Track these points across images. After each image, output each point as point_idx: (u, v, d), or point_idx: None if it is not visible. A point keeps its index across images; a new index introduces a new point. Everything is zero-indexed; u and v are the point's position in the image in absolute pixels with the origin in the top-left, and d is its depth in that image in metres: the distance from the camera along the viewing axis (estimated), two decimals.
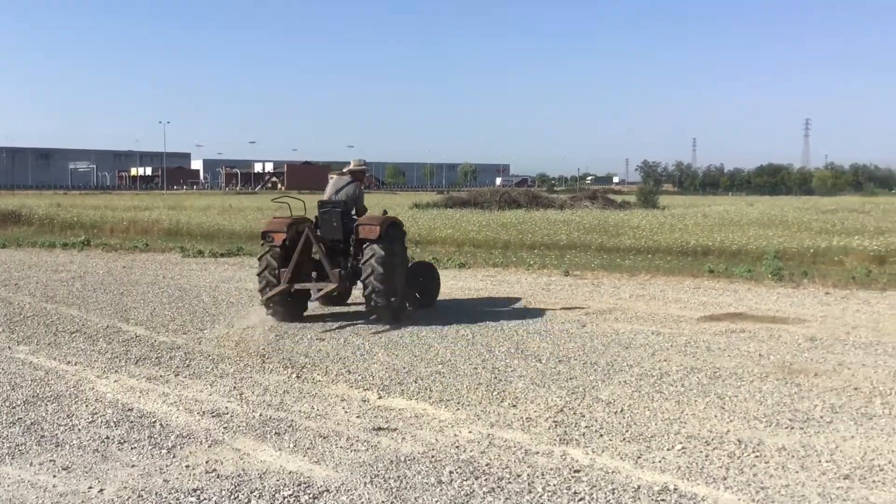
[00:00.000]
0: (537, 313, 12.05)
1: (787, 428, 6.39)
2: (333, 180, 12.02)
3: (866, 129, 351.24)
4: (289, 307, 11.20)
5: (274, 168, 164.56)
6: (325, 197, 11.65)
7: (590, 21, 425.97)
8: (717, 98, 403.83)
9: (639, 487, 5.12)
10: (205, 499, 5.02)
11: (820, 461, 5.61)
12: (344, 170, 12.28)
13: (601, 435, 6.23)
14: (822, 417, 6.66)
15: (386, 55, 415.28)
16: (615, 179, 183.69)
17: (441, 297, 13.42)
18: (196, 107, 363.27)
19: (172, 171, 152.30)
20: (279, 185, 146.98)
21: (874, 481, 5.23)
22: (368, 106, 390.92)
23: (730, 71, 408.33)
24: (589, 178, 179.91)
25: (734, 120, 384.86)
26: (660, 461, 5.62)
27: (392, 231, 11.20)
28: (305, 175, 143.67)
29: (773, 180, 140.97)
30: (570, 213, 40.72)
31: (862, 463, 5.57)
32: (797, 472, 5.41)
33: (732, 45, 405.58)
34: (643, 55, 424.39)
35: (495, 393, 7.47)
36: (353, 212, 11.56)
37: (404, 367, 8.48)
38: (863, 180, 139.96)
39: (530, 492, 5.07)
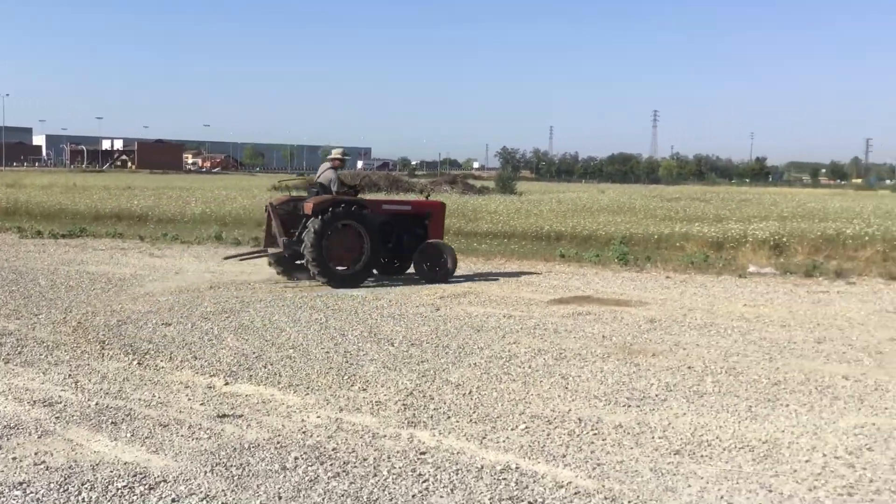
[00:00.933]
0: (392, 297, 12.07)
1: (624, 406, 6.67)
2: (322, 166, 14.12)
3: (709, 122, 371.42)
4: (287, 266, 13.46)
5: (124, 146, 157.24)
6: (315, 180, 14.06)
7: (448, 8, 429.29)
8: (572, 88, 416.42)
9: (482, 467, 5.21)
10: (31, 492, 4.74)
11: (653, 437, 5.89)
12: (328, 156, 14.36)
13: (449, 417, 6.30)
14: (657, 396, 6.99)
15: (245, 34, 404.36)
16: (475, 165, 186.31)
17: (282, 280, 13.31)
18: (39, 80, 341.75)
19: (12, 147, 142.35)
20: (129, 164, 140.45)
21: (702, 456, 5.53)
22: (226, 85, 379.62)
23: (585, 62, 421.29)
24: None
25: (589, 110, 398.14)
26: (504, 441, 5.74)
27: (341, 209, 12.91)
28: (158, 153, 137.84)
29: (624, 169, 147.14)
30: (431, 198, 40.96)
31: (692, 438, 5.88)
32: (632, 448, 5.65)
33: (586, 37, 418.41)
34: (502, 44, 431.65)
35: (346, 377, 7.42)
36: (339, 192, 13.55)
37: (254, 353, 8.30)
38: (705, 170, 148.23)
39: (375, 475, 5.06)
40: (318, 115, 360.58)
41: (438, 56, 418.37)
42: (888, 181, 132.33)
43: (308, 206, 12.93)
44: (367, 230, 13.25)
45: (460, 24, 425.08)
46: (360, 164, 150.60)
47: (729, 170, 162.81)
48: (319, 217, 12.72)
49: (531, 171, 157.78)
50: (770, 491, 4.90)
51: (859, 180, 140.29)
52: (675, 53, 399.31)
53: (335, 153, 14.08)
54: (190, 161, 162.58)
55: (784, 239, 20.13)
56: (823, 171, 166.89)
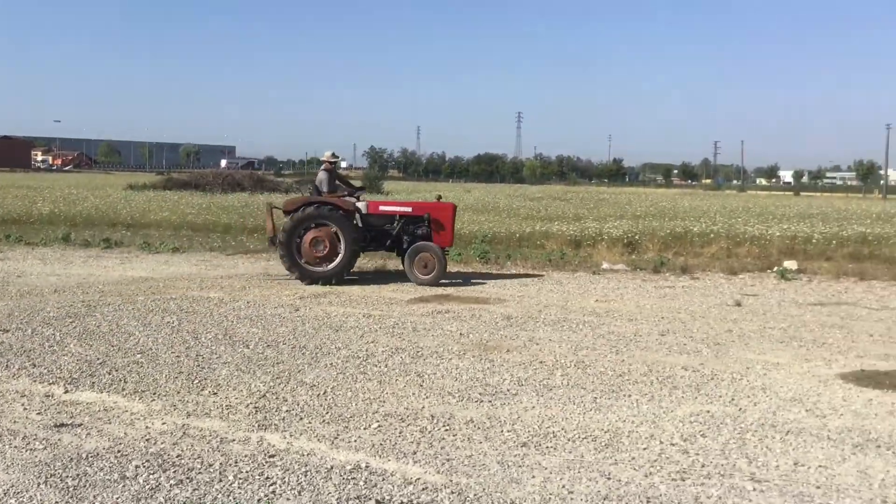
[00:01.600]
0: (251, 298, 11.83)
1: (476, 401, 6.79)
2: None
3: (571, 124, 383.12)
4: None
5: None
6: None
7: (314, 5, 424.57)
8: (439, 88, 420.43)
9: (332, 468, 5.18)
10: None
11: (502, 431, 6.02)
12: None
13: (301, 418, 6.24)
14: (508, 390, 7.15)
15: (101, 24, 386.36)
16: (343, 164, 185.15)
17: (149, 282, 12.80)
18: None
19: None
20: None
21: (547, 447, 5.70)
22: (79, 79, 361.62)
23: (452, 63, 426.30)
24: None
25: (455, 110, 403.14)
26: (355, 440, 5.74)
27: (312, 209, 13.66)
28: (2, 150, 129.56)
29: (490, 168, 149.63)
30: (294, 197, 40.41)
31: (539, 431, 6.05)
32: (481, 442, 5.76)
33: (451, 38, 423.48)
34: (369, 43, 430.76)
35: (196, 381, 7.22)
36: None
37: (98, 359, 7.95)
38: (567, 170, 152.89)
39: (221, 480, 4.95)
40: (178, 113, 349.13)
41: (306, 54, 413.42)
42: (734, 181, 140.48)
43: (284, 206, 14.09)
44: (342, 230, 13.57)
45: (326, 21, 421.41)
46: (223, 162, 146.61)
47: (589, 170, 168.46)
48: (290, 216, 13.64)
49: (399, 171, 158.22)
50: (609, 478, 5.10)
51: (708, 181, 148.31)
52: (538, 56, 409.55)
53: (325, 156, 14.87)
54: (39, 158, 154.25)
55: (636, 237, 20.99)
56: (675, 171, 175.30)
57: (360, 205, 14.36)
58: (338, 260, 13.56)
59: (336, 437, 5.79)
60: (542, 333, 9.71)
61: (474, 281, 14.34)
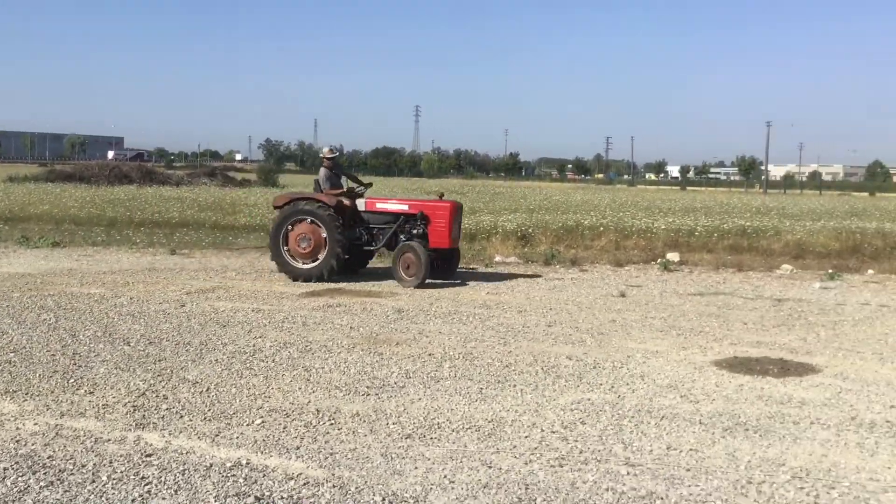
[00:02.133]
0: (135, 294, 11.48)
1: (363, 395, 6.78)
2: None
3: (468, 119, 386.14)
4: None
5: None
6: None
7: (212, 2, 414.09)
8: (337, 82, 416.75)
9: (211, 466, 5.09)
10: None
11: (388, 423, 6.04)
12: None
13: (182, 416, 6.10)
14: (396, 383, 7.17)
15: None
16: (238, 157, 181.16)
17: (26, 278, 12.26)
18: None
19: None
20: None
21: (432, 438, 5.75)
22: None
23: (350, 57, 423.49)
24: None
25: (353, 103, 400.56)
26: (237, 437, 5.65)
27: (299, 205, 13.51)
28: None
29: (388, 162, 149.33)
30: (186, 190, 39.48)
31: (424, 422, 6.10)
32: (366, 435, 5.76)
33: (348, 31, 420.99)
34: (269, 35, 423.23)
35: (72, 380, 6.96)
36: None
37: None
38: (464, 164, 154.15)
39: (94, 481, 4.79)
40: (63, 102, 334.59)
41: (198, 42, 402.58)
42: (625, 176, 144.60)
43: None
44: (326, 228, 13.21)
45: (219, 13, 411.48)
46: (110, 153, 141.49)
47: (486, 164, 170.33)
48: (280, 211, 13.65)
49: (296, 164, 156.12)
50: (490, 467, 5.19)
51: (601, 175, 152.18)
52: (436, 49, 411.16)
53: (324, 153, 14.50)
54: None
55: (530, 230, 21.37)
56: (570, 166, 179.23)
57: (360, 202, 13.96)
58: (320, 258, 13.23)
59: (217, 435, 5.69)
60: (433, 326, 9.77)
61: (361, 273, 14.31)
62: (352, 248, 13.75)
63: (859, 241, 20.67)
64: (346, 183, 14.33)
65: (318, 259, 13.25)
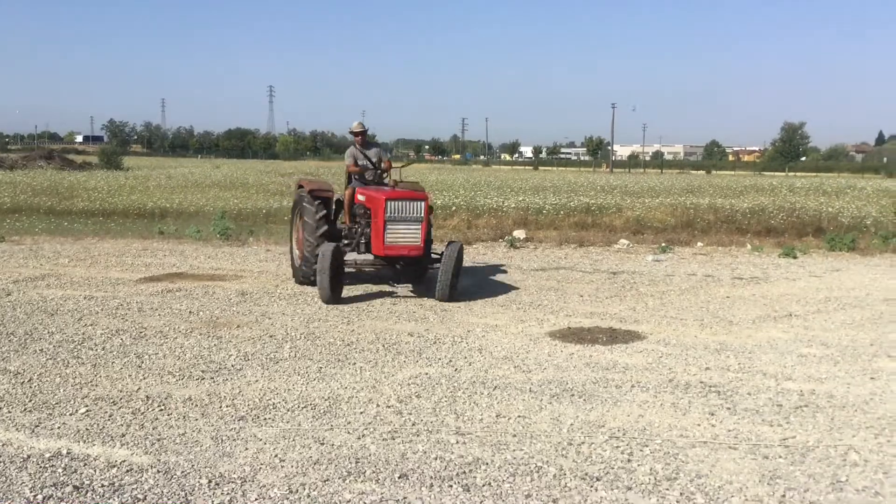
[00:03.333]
0: None
1: (198, 379, 6.65)
2: None
3: (324, 99, 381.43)
4: None
5: None
6: None
7: None
8: (185, 60, 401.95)
9: (28, 457, 4.87)
10: None
11: (221, 407, 5.95)
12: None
13: (0, 408, 5.80)
14: (233, 366, 7.07)
15: None
16: (78, 139, 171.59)
17: None
18: None
19: None
20: None
21: (265, 419, 5.72)
22: None
23: (196, 34, 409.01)
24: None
25: (203, 83, 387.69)
26: (59, 427, 5.43)
27: (315, 192, 11.23)
28: None
29: (241, 144, 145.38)
30: (20, 174, 37.23)
31: (259, 403, 6.05)
32: (197, 419, 5.66)
33: (201, 6, 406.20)
34: (114, 16, 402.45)
35: None
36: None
37: None
38: (321, 145, 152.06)
39: None
40: None
41: (34, 14, 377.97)
42: (481, 157, 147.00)
43: None
44: (304, 221, 11.14)
45: None
46: None
47: (343, 146, 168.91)
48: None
49: (143, 146, 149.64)
50: (322, 444, 5.22)
51: (457, 156, 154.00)
52: (290, 31, 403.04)
53: (352, 128, 11.71)
54: None
55: None
56: (427, 147, 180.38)
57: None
58: (299, 254, 11.47)
59: (37, 426, 5.44)
60: (277, 308, 9.67)
61: (209, 257, 13.98)
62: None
63: (692, 217, 21.93)
64: (377, 156, 11.67)
65: (300, 257, 11.34)
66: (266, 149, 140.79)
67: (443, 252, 10.39)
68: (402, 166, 12.28)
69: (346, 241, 10.97)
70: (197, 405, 5.98)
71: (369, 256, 10.66)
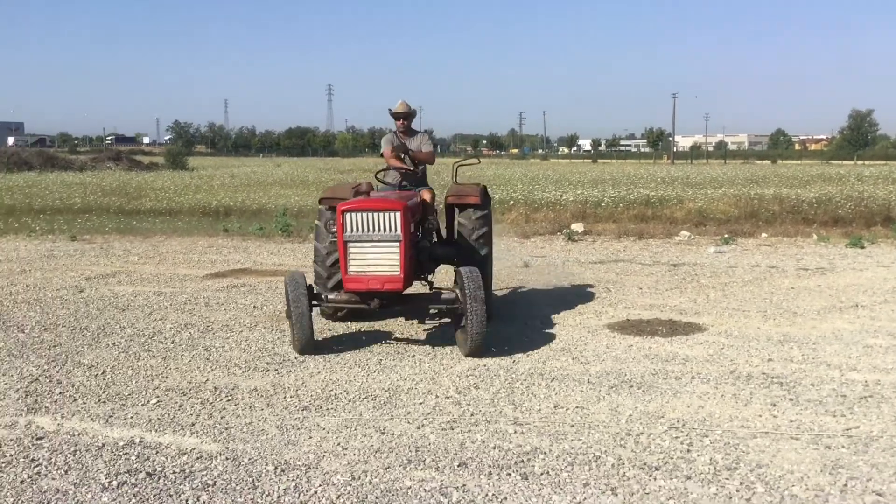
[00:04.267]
0: (30, 281, 11.19)
1: (263, 371, 6.83)
2: None
3: (382, 96, 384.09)
4: None
5: None
6: None
7: None
8: (247, 61, 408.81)
9: (103, 445, 5.09)
10: None
11: (285, 397, 6.11)
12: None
13: (75, 399, 6.05)
14: (296, 358, 7.23)
15: None
16: (146, 140, 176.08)
17: None
18: None
19: None
20: None
21: (328, 409, 5.86)
22: None
23: (258, 35, 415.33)
24: (110, 137, 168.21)
25: (264, 83, 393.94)
26: (132, 417, 5.65)
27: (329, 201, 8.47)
28: None
29: (301, 142, 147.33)
30: (89, 175, 38.40)
31: (321, 394, 6.20)
32: (262, 409, 5.83)
33: (257, 11, 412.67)
34: (175, 18, 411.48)
35: None
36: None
37: None
38: (379, 143, 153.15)
39: None
40: None
41: (99, 20, 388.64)
42: (539, 150, 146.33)
43: None
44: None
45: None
46: (10, 140, 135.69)
47: None
48: None
49: (207, 146, 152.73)
50: (383, 433, 5.33)
51: (515, 150, 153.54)
52: (346, 28, 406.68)
53: (395, 107, 9.08)
54: None
55: (439, 205, 21.51)
56: (484, 141, 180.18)
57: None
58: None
59: (111, 416, 5.67)
60: None
61: (272, 253, 14.26)
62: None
63: (757, 207, 21.49)
64: (418, 144, 9.05)
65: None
66: (325, 146, 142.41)
67: (453, 285, 7.78)
68: (459, 163, 10.31)
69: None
70: (262, 396, 6.15)
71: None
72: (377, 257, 7.35)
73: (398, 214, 7.32)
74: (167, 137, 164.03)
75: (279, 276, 11.78)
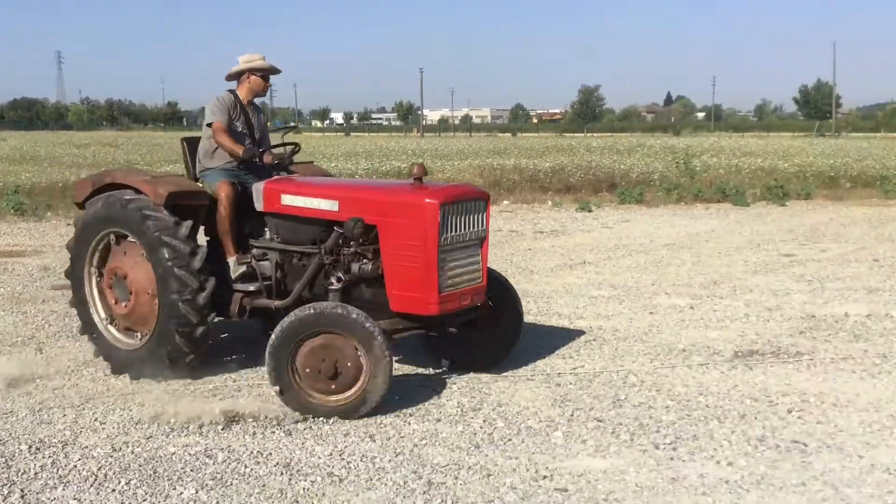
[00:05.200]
0: None
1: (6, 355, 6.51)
2: None
3: (119, 67, 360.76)
4: None
5: None
6: None
7: None
8: None
9: None
10: None
11: (33, 378, 5.88)
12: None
13: None
14: (47, 338, 6.95)
15: None
16: None
17: None
18: None
19: None
20: None
21: (82, 386, 5.72)
22: None
23: None
24: None
25: None
26: None
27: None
28: None
29: (29, 115, 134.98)
30: None
31: (74, 373, 6.01)
32: (10, 391, 5.59)
33: None
34: None
35: None
36: None
37: None
38: (118, 115, 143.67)
39: None
40: None
41: None
42: (291, 123, 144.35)
43: None
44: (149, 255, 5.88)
45: None
46: None
47: (143, 115, 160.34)
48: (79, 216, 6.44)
49: None
50: (143, 405, 5.31)
51: (270, 124, 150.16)
52: None
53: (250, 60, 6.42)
54: None
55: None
56: None
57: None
58: (147, 329, 5.96)
59: None
60: None
61: (4, 234, 13.28)
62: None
63: (499, 177, 22.93)
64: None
65: (144, 329, 5.89)
66: (57, 119, 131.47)
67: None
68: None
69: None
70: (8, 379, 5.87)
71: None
72: (466, 263, 5.68)
73: (486, 204, 5.91)
74: None
75: (15, 256, 11.03)
